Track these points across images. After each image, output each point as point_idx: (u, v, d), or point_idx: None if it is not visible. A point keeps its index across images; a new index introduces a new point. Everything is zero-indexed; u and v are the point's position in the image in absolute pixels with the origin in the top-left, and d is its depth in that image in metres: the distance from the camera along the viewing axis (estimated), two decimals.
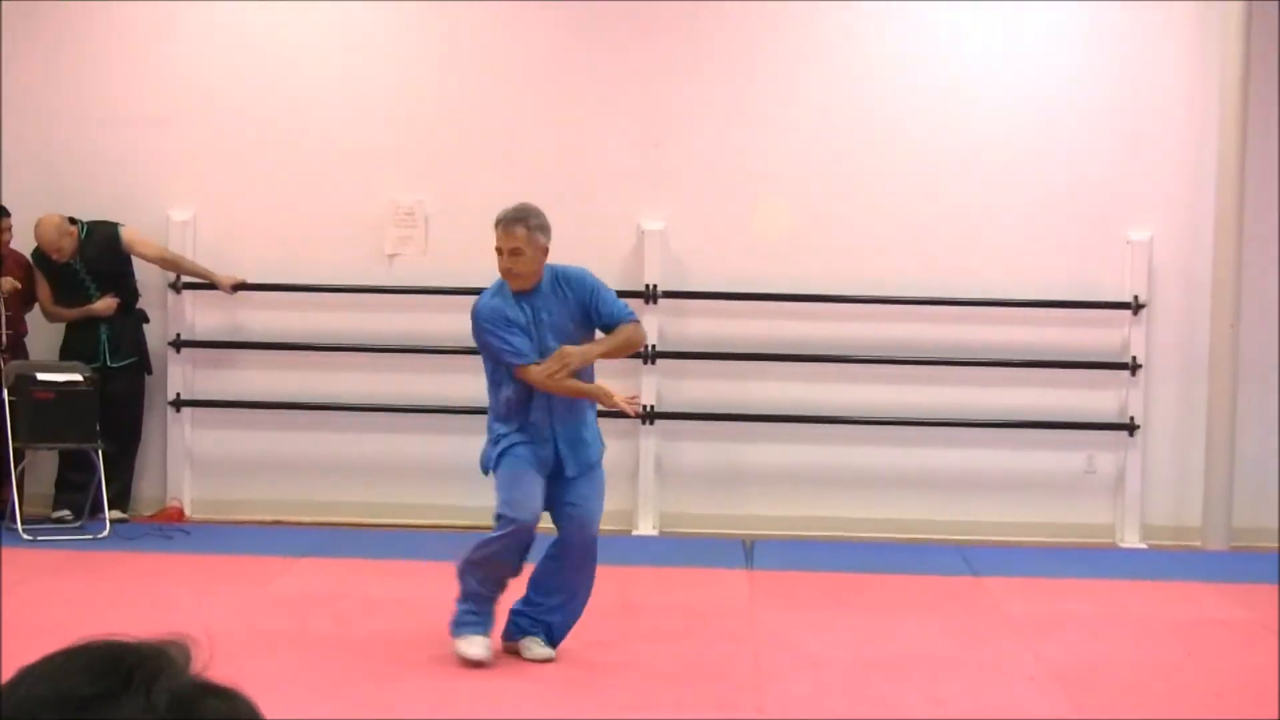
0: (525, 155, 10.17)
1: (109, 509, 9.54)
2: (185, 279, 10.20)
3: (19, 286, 9.83)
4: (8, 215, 9.84)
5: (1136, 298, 10.03)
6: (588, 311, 6.69)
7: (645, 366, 9.96)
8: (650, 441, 10.11)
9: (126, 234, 9.98)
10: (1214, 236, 9.89)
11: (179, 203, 10.27)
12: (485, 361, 6.90)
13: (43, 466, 10.03)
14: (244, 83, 10.28)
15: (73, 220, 9.90)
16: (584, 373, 6.73)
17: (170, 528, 9.76)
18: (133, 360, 10.01)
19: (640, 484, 10.05)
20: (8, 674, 1.39)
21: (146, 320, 10.14)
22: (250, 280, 10.16)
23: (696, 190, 10.12)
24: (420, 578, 8.54)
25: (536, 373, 6.56)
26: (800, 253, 10.11)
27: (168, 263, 10.11)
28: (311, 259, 10.21)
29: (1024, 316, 10.08)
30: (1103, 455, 10.18)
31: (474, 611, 6.66)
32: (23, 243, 9.97)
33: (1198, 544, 9.97)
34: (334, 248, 10.22)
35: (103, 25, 10.29)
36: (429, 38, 10.30)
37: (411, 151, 10.26)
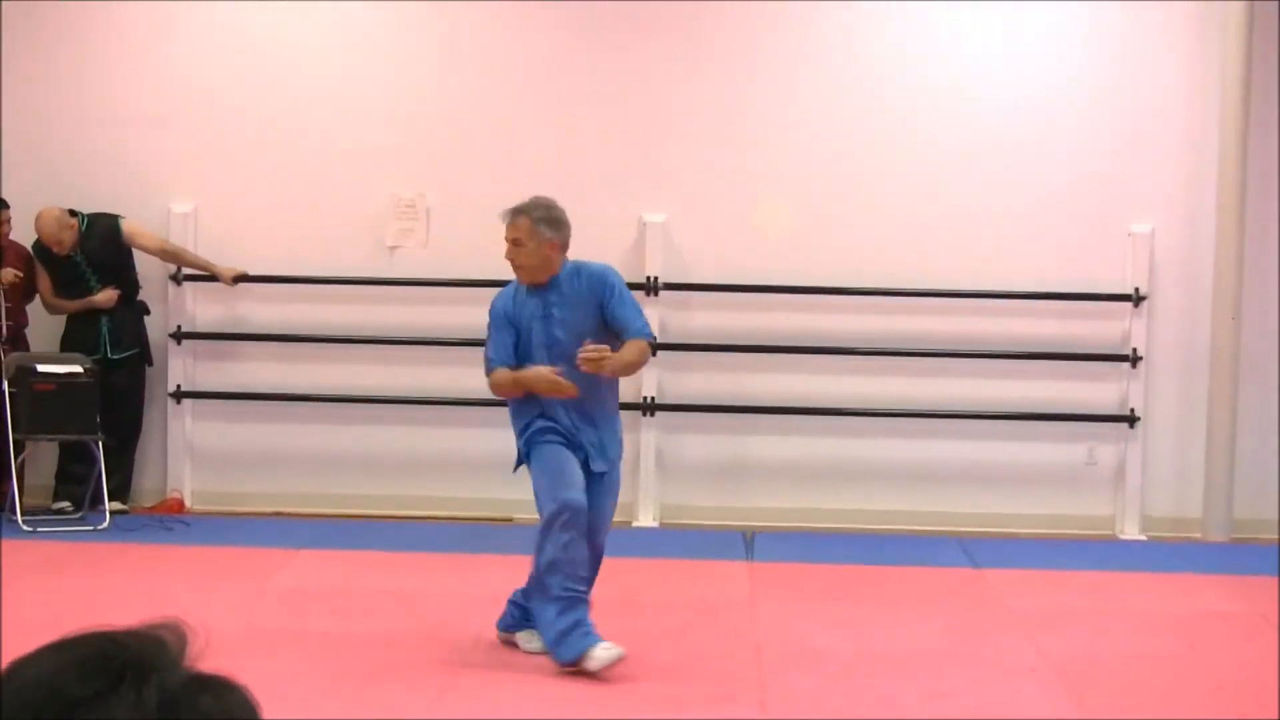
0: (526, 149, 10.17)
1: (109, 501, 9.55)
2: (186, 271, 10.20)
3: (20, 278, 9.83)
4: (7, 208, 9.84)
5: (1138, 290, 10.02)
6: (599, 308, 6.56)
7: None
8: (651, 433, 10.12)
9: (127, 226, 9.98)
10: (1215, 229, 9.89)
11: (180, 195, 10.27)
12: None
13: (43, 458, 10.04)
14: (245, 78, 10.27)
15: (73, 213, 9.90)
16: (610, 386, 6.67)
17: (170, 520, 9.76)
18: (133, 352, 10.02)
19: (641, 476, 10.05)
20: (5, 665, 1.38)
21: (147, 312, 10.15)
22: (251, 272, 10.16)
23: (698, 183, 10.12)
24: (422, 570, 8.55)
25: (495, 378, 6.64)
26: (802, 246, 10.11)
27: (168, 255, 10.11)
28: (312, 251, 10.20)
29: (1025, 309, 10.07)
30: (1103, 447, 10.18)
31: (577, 622, 6.37)
32: (23, 236, 9.97)
33: (1198, 536, 9.97)
34: (335, 240, 10.22)
35: (103, 23, 10.28)
36: (430, 33, 10.29)
37: (413, 145, 10.26)
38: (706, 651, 6.87)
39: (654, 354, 6.86)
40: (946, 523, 10.01)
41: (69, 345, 9.92)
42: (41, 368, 9.45)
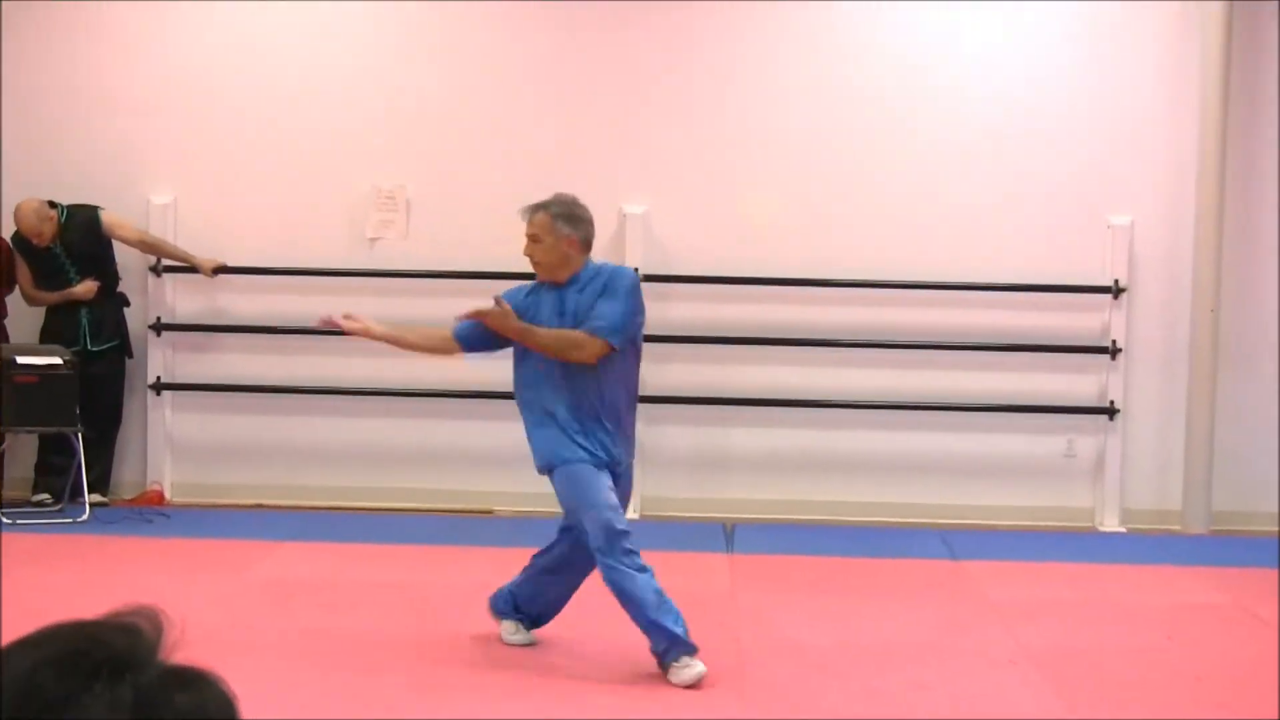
0: (507, 141, 10.16)
1: (89, 493, 9.52)
2: (166, 262, 10.18)
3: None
4: None
5: (1117, 282, 10.04)
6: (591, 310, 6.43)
7: None
8: None
9: (107, 218, 9.96)
10: (1195, 222, 9.92)
11: (160, 187, 10.24)
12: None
13: (22, 450, 10.01)
14: (225, 70, 10.25)
15: (52, 204, 9.87)
16: (623, 388, 6.52)
17: (150, 512, 9.75)
18: (113, 344, 9.99)
19: None
20: None
21: (127, 304, 10.12)
22: (231, 264, 10.14)
23: (679, 175, 10.12)
24: (403, 562, 8.54)
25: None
26: (783, 237, 10.12)
27: (148, 246, 10.09)
28: (292, 243, 10.19)
29: (1005, 301, 10.09)
30: (1083, 439, 10.20)
31: (651, 638, 6.26)
32: (1, 226, 9.94)
33: (1177, 528, 10.01)
34: (315, 232, 10.21)
35: (83, 15, 10.24)
36: (412, 26, 10.27)
37: (393, 137, 10.25)
38: None
39: (589, 359, 6.34)
40: (926, 514, 10.03)
41: (48, 337, 9.89)
42: (21, 359, 9.42)
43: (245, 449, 10.32)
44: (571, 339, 6.33)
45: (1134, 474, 10.20)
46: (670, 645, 6.19)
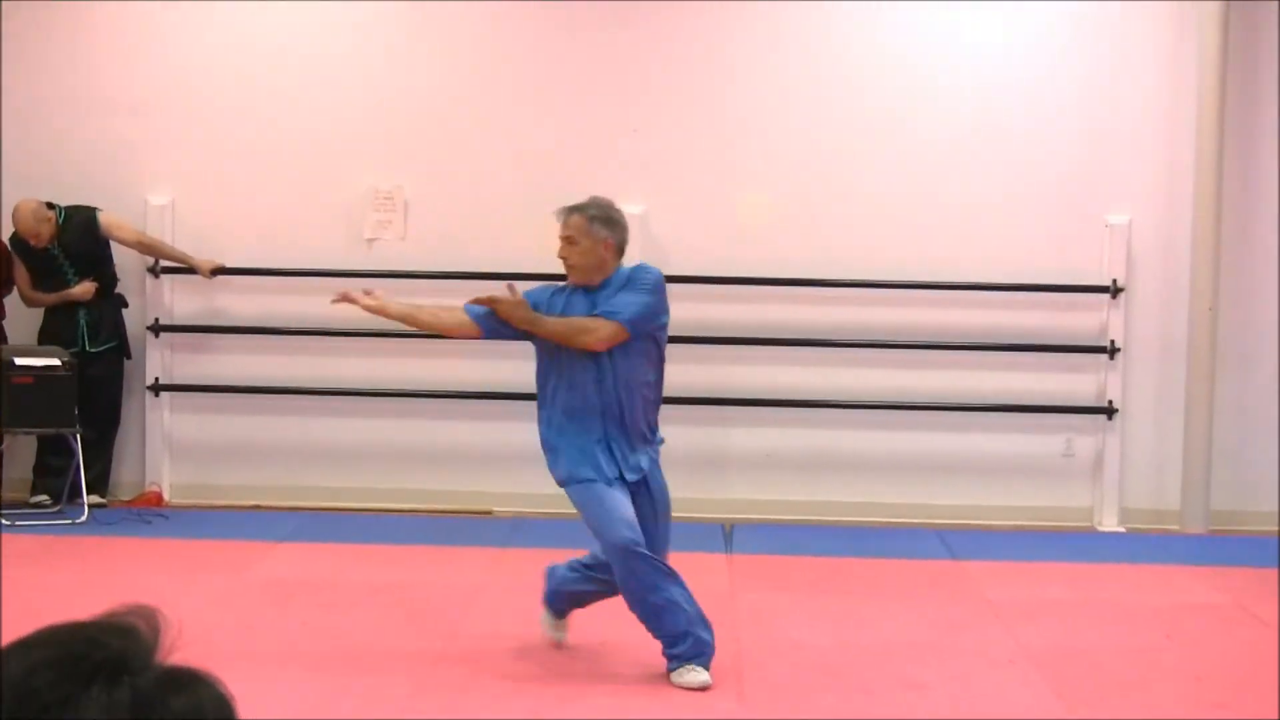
0: (505, 140, 10.16)
1: (87, 494, 9.52)
2: (164, 263, 10.18)
3: None
4: None
5: (1115, 281, 10.04)
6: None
7: None
8: None
9: (104, 219, 9.95)
10: (1192, 221, 9.92)
11: (157, 188, 10.24)
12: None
13: (21, 451, 10.01)
14: (223, 71, 10.25)
15: (50, 205, 9.86)
16: (647, 395, 6.41)
17: (149, 512, 9.75)
18: (111, 345, 9.99)
19: None
20: None
21: (125, 305, 10.12)
22: (229, 265, 10.14)
23: (676, 175, 10.11)
24: (402, 563, 8.54)
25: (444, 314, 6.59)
26: (781, 237, 10.12)
27: (146, 247, 10.08)
28: (290, 243, 10.19)
29: (1003, 300, 10.09)
30: (1081, 439, 10.20)
31: (665, 646, 6.28)
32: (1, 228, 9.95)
33: (1176, 527, 10.00)
34: (313, 232, 10.21)
35: (80, 16, 10.24)
36: (409, 26, 10.27)
37: (391, 137, 10.24)
38: None
39: (598, 345, 6.25)
40: (925, 514, 10.03)
41: (47, 338, 9.89)
42: (19, 360, 9.42)
43: (243, 450, 10.32)
44: (580, 324, 6.26)
45: (1132, 473, 10.20)
46: (692, 646, 6.20)
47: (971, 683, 6.44)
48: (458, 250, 10.11)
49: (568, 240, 6.37)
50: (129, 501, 10.07)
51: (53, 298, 9.92)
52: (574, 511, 6.41)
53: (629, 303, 6.28)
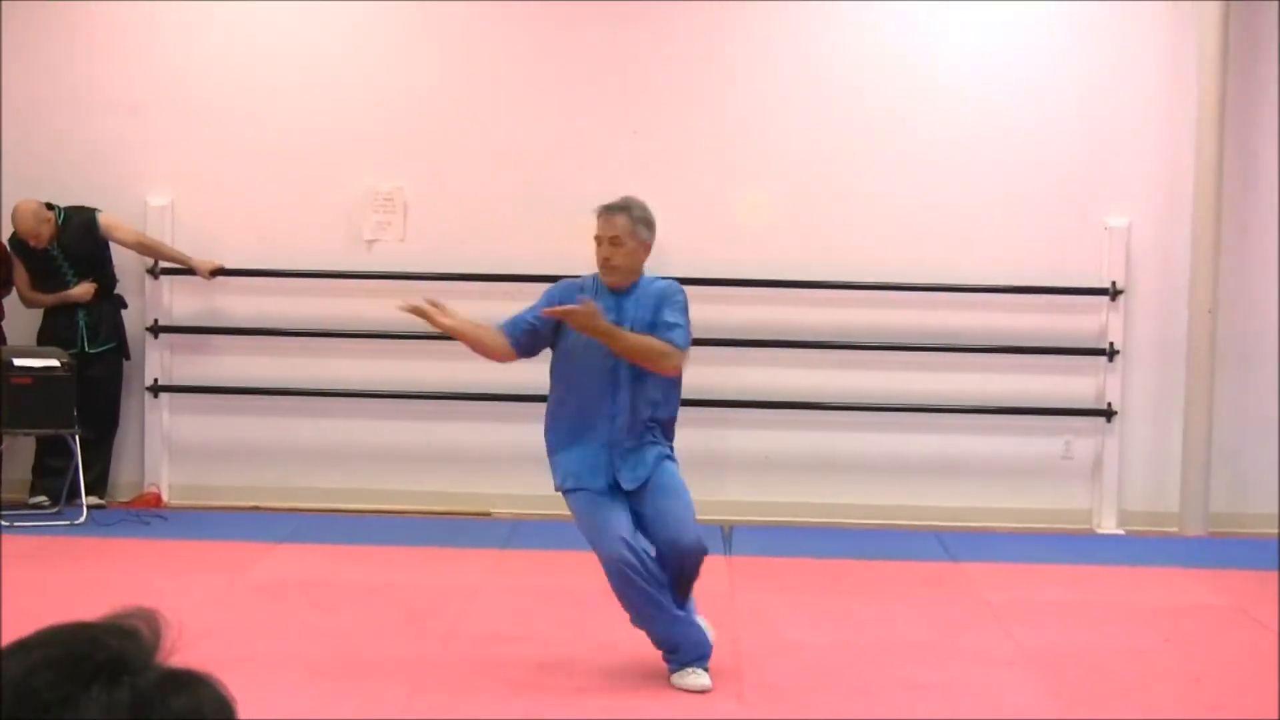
0: (504, 140, 10.16)
1: (86, 495, 9.53)
2: (163, 264, 10.18)
3: None
4: None
5: (1114, 284, 10.05)
6: (654, 320, 6.25)
7: None
8: None
9: (104, 219, 9.95)
10: (1192, 223, 9.92)
11: (157, 188, 10.24)
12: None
13: (20, 452, 10.01)
14: (222, 71, 10.25)
15: (50, 206, 9.86)
16: (664, 399, 6.35)
17: (148, 514, 9.74)
18: (111, 346, 9.99)
19: None
20: None
21: (124, 306, 10.12)
22: (228, 265, 10.14)
23: (676, 174, 10.11)
24: (401, 564, 8.54)
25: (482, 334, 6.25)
26: (779, 239, 10.12)
27: (145, 248, 10.08)
28: (290, 244, 10.19)
29: (1002, 302, 10.09)
30: (1080, 441, 10.20)
31: (664, 651, 6.28)
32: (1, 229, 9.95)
33: (1175, 530, 10.00)
34: (312, 233, 10.21)
35: (82, 13, 10.24)
36: (408, 26, 10.27)
37: (390, 137, 10.24)
38: None
39: (673, 371, 6.27)
40: (924, 516, 10.03)
41: (46, 339, 9.89)
42: (18, 361, 9.42)
43: (243, 451, 10.31)
44: (660, 348, 6.11)
45: (1131, 475, 10.20)
46: (688, 651, 6.19)
47: (970, 684, 6.44)
48: (457, 251, 10.11)
49: (614, 241, 6.24)
50: (128, 502, 10.07)
51: (52, 299, 9.92)
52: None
53: (681, 329, 6.23)
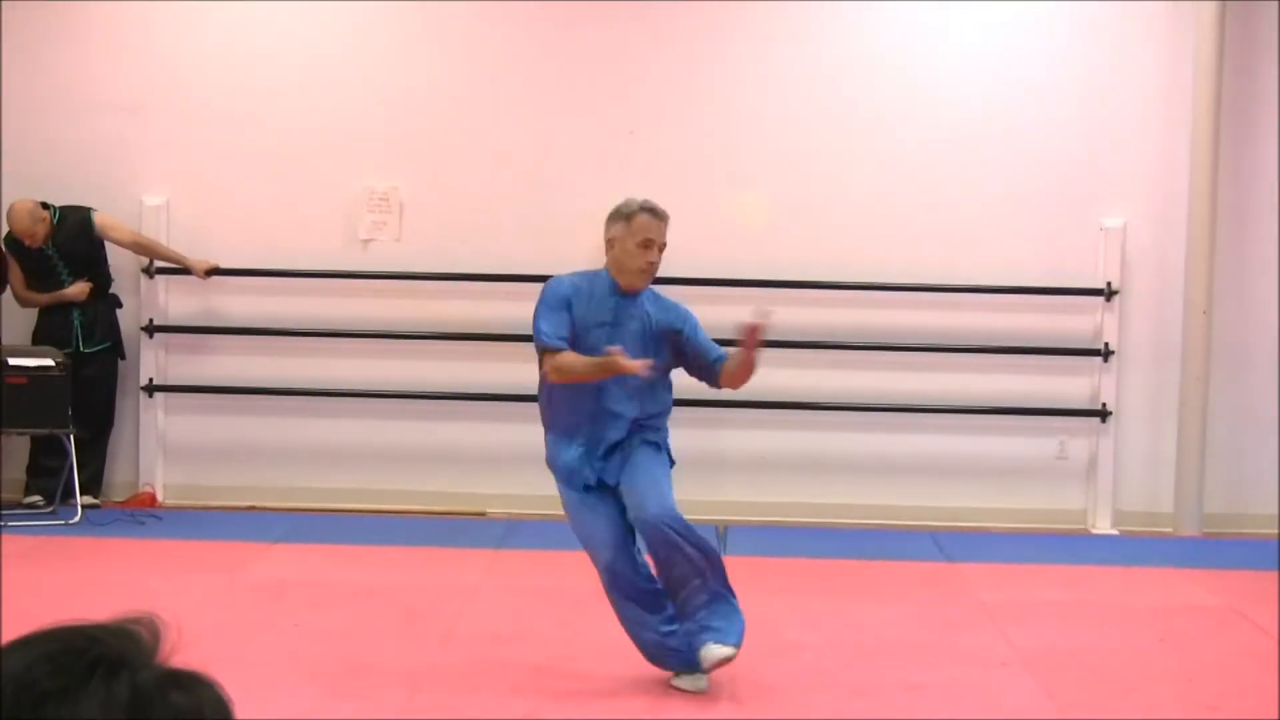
0: (499, 140, 10.17)
1: (81, 494, 9.52)
2: (158, 264, 10.17)
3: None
4: None
5: (1110, 284, 10.05)
6: (670, 339, 6.25)
7: None
8: None
9: (99, 219, 9.95)
10: (1187, 223, 9.93)
11: (152, 188, 10.24)
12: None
13: (15, 452, 10.01)
14: (218, 70, 10.24)
15: (45, 205, 9.86)
16: (659, 405, 6.37)
17: (143, 513, 9.74)
18: (106, 345, 9.98)
19: None
20: None
21: (119, 305, 10.11)
22: (224, 265, 10.13)
23: (671, 175, 10.10)
24: (396, 564, 8.54)
25: (563, 360, 6.00)
26: (774, 239, 10.12)
27: (141, 247, 10.08)
28: (285, 244, 10.18)
29: (997, 303, 10.10)
30: (1075, 441, 10.21)
31: (644, 653, 6.27)
32: None
33: (1170, 530, 10.01)
34: (308, 233, 10.20)
35: (78, 12, 10.24)
36: (405, 26, 10.27)
37: (386, 137, 10.24)
38: None
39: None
40: (919, 516, 10.03)
41: (41, 338, 9.89)
42: (13, 361, 9.41)
43: (238, 451, 10.31)
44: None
45: (1126, 476, 10.21)
46: (672, 662, 6.17)
47: (965, 684, 6.44)
48: (453, 251, 10.11)
49: (660, 248, 6.21)
50: (123, 502, 10.07)
51: (47, 298, 9.91)
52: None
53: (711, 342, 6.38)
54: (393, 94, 10.23)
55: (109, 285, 10.08)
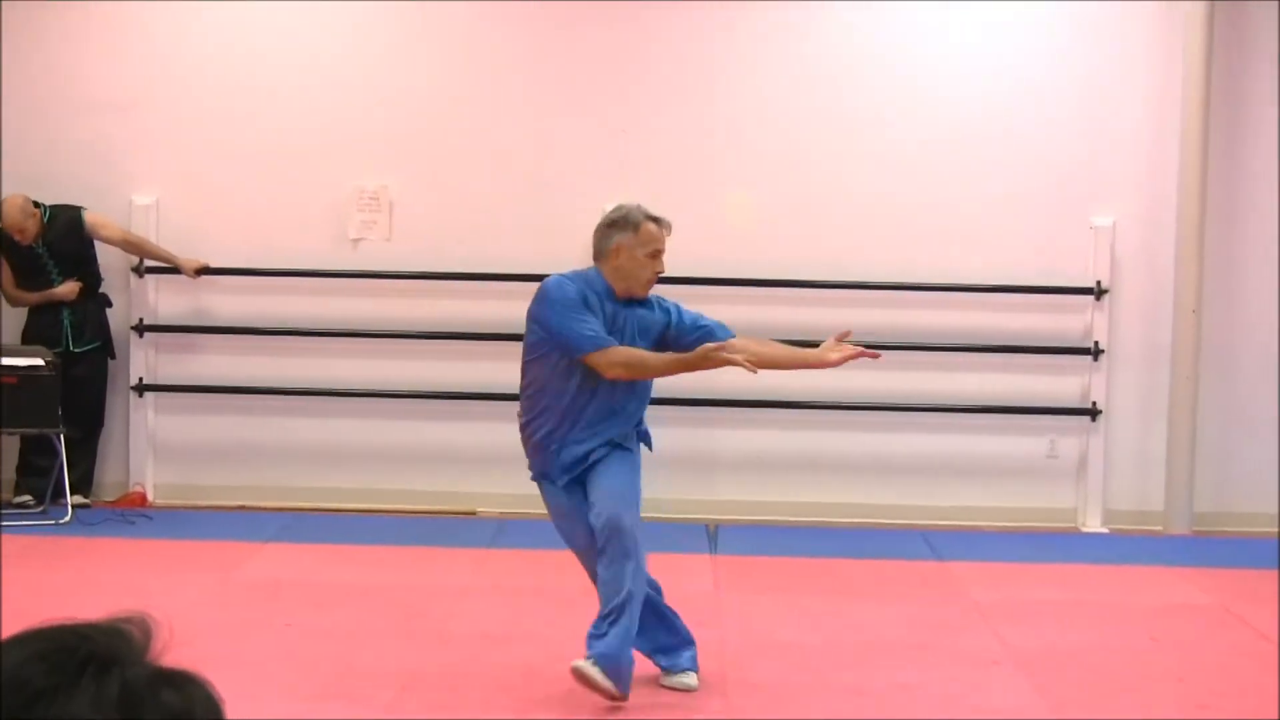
0: (490, 139, 10.16)
1: (71, 494, 9.50)
2: (148, 263, 10.16)
3: None
4: None
5: (1099, 283, 10.06)
6: (664, 332, 6.23)
7: None
8: None
9: (90, 217, 9.93)
10: (1176, 222, 9.94)
11: (142, 187, 10.22)
12: (525, 358, 6.23)
13: (5, 452, 9.99)
14: (208, 70, 10.23)
15: (35, 204, 9.84)
16: (638, 406, 6.26)
17: (133, 513, 9.73)
18: (95, 345, 9.97)
19: None
20: None
21: (109, 304, 10.10)
22: (213, 264, 10.12)
23: (663, 174, 10.10)
24: (388, 563, 8.54)
25: (625, 354, 5.97)
26: (766, 238, 10.12)
27: (131, 246, 10.07)
28: (275, 243, 10.17)
29: (987, 302, 10.10)
30: (1065, 440, 10.22)
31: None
32: None
33: (1160, 528, 10.02)
34: (298, 232, 10.19)
35: (67, 13, 10.21)
36: (396, 25, 10.26)
37: (376, 136, 10.23)
38: None
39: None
40: (909, 515, 10.04)
41: (30, 338, 9.87)
42: (3, 360, 9.39)
43: (228, 450, 10.30)
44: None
45: (1116, 474, 10.22)
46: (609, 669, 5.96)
47: (956, 683, 6.45)
48: (443, 250, 10.10)
49: (661, 255, 6.20)
50: (113, 502, 10.05)
51: (36, 297, 9.89)
52: None
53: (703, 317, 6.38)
54: (383, 93, 10.22)
55: (99, 284, 10.06)
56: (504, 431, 9.55)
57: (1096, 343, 10.10)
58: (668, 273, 9.97)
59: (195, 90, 10.22)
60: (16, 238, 9.77)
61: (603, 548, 5.96)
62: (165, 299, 10.30)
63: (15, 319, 10.04)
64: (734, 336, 6.31)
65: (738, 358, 5.95)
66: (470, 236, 10.12)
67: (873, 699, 6.22)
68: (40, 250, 9.85)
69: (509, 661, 6.55)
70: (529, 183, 10.14)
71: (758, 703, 6.16)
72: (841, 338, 6.30)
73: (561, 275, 6.23)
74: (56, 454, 9.50)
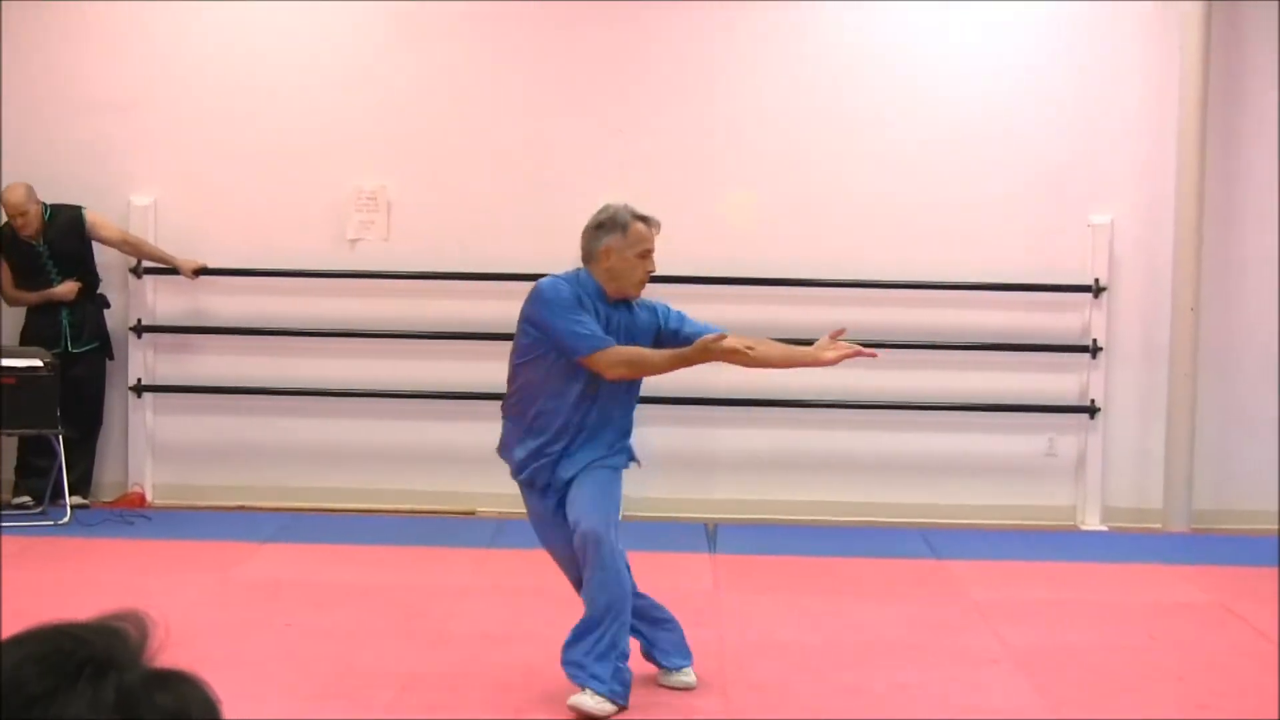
0: (489, 139, 10.16)
1: (70, 495, 9.51)
2: (146, 264, 10.16)
3: None
4: None
5: (1097, 281, 10.07)
6: (656, 334, 6.21)
7: None
8: None
9: (90, 217, 9.93)
10: (1174, 220, 9.94)
11: (140, 188, 10.22)
12: (517, 360, 6.22)
13: (4, 452, 9.99)
14: (206, 70, 10.23)
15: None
16: (625, 410, 6.25)
17: (132, 513, 9.73)
18: (94, 345, 9.97)
19: None
20: None
21: (108, 305, 10.10)
22: (212, 265, 10.12)
23: (661, 174, 10.11)
24: (386, 563, 8.54)
25: (625, 353, 5.94)
26: (763, 237, 10.12)
27: (130, 246, 10.06)
28: (273, 244, 10.17)
29: (985, 300, 10.11)
30: (1064, 438, 10.22)
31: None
32: None
33: (1158, 526, 10.03)
34: (296, 232, 10.19)
35: (65, 13, 10.21)
36: (393, 26, 10.25)
37: (374, 137, 10.23)
38: None
39: None
40: (908, 514, 10.04)
41: (29, 338, 9.87)
42: (1, 361, 9.39)
43: (227, 450, 10.30)
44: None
45: (1115, 472, 10.22)
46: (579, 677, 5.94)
47: (955, 682, 6.45)
48: (441, 250, 10.11)
49: (652, 254, 6.17)
50: (111, 502, 10.05)
51: (35, 297, 9.89)
52: None
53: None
54: (381, 93, 10.22)
55: (97, 285, 10.06)
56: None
57: (1095, 340, 10.10)
58: (668, 273, 10.01)
59: (194, 90, 10.22)
60: (18, 223, 9.75)
61: (582, 558, 5.95)
62: (164, 299, 10.30)
63: (14, 319, 10.04)
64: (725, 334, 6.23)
65: (737, 344, 5.97)
66: (469, 237, 10.12)
67: (872, 698, 6.22)
68: (41, 249, 9.85)
69: (509, 661, 6.55)
70: (528, 183, 10.14)
71: (757, 702, 6.16)
72: (836, 336, 6.28)
73: (555, 276, 6.20)
74: (55, 454, 9.51)
